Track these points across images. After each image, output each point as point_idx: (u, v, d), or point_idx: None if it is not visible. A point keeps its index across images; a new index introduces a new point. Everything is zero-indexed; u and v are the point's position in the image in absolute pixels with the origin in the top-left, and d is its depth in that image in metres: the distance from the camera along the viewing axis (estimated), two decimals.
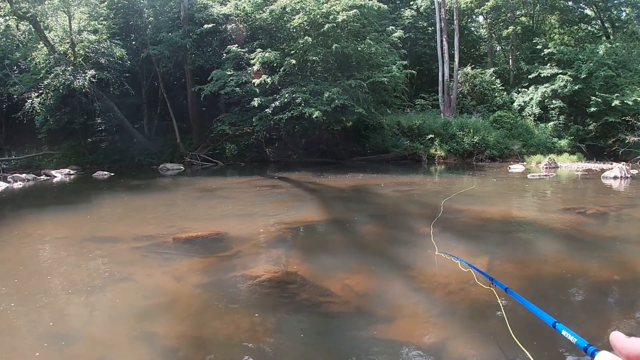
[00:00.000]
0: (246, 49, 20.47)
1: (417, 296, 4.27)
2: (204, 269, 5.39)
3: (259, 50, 19.52)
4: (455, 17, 26.04)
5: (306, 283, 4.50)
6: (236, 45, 20.43)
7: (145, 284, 5.23)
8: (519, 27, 30.70)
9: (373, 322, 3.76)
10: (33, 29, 21.81)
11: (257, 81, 18.48)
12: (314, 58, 19.35)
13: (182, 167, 20.60)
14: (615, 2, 30.84)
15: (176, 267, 5.63)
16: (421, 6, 31.61)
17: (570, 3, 31.16)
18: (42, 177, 19.39)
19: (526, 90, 26.09)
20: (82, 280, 5.53)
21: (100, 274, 5.70)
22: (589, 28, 33.14)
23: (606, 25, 31.85)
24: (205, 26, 21.41)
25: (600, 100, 22.39)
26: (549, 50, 25.32)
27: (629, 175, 14.57)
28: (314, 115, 17.08)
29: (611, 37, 29.31)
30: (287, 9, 19.75)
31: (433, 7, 28.38)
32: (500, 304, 3.55)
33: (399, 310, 3.96)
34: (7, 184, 17.35)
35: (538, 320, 2.00)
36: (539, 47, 26.41)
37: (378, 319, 3.81)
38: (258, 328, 3.70)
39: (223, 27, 22.08)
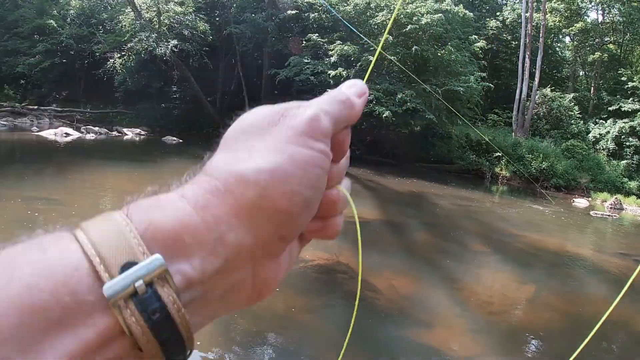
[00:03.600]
0: (326, 39, 20.69)
1: (458, 309, 4.37)
2: None
3: (338, 42, 19.69)
4: (541, 35, 25.10)
5: (356, 275, 4.69)
6: (317, 34, 20.71)
7: None
8: (605, 55, 29.18)
9: (411, 324, 3.91)
10: None
11: (333, 73, 18.71)
12: (392, 57, 19.34)
13: None
14: None
15: None
16: (507, 18, 30.63)
17: None
18: (113, 132, 20.53)
19: (604, 122, 24.85)
20: None
21: None
22: None
23: None
24: (289, 12, 21.78)
25: None
26: (634, 84, 23.94)
27: None
28: (384, 115, 17.07)
29: None
30: (371, 5, 19.76)
31: (519, 21, 27.44)
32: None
33: (438, 319, 4.09)
34: (80, 134, 18.58)
35: None
36: (623, 78, 25.02)
37: (417, 322, 3.96)
38: (303, 307, 3.93)
39: (306, 14, 22.40)
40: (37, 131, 18.54)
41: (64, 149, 15.19)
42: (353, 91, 0.35)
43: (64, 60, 26.23)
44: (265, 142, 0.31)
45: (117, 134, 20.48)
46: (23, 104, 24.82)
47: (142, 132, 21.59)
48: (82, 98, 27.06)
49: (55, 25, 25.77)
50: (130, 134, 20.80)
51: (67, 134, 17.76)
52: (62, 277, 0.24)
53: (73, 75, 27.66)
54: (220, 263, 0.29)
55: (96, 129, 20.14)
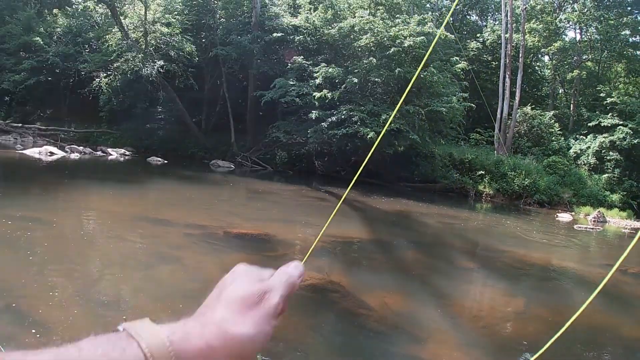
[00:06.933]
0: (311, 61, 20.96)
1: (450, 324, 4.46)
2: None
3: (323, 64, 19.97)
4: (520, 55, 25.77)
5: (347, 294, 4.76)
6: (302, 57, 20.98)
7: (193, 269, 5.63)
8: (584, 72, 30.00)
9: (405, 340, 3.98)
10: (110, 13, 22.98)
11: (317, 94, 18.92)
12: (376, 79, 19.62)
13: (232, 166, 21.17)
14: None
15: (224, 258, 6.00)
16: (487, 40, 31.40)
17: (639, 52, 30.21)
18: (98, 152, 20.41)
19: (584, 138, 25.44)
20: (134, 255, 6.00)
21: (151, 252, 6.14)
22: None
23: None
24: (275, 34, 22.05)
25: None
26: (612, 99, 24.62)
27: None
28: (369, 136, 17.26)
29: None
30: (355, 28, 20.16)
31: (499, 42, 28.17)
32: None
33: (431, 334, 4.16)
34: (65, 153, 18.47)
35: None
36: (602, 94, 25.71)
37: (410, 338, 4.03)
38: (297, 327, 3.97)
39: (291, 37, 22.69)
40: (21, 149, 18.38)
41: (48, 168, 15.11)
42: (297, 273, 0.55)
43: (50, 78, 26.19)
44: (251, 317, 0.50)
45: (102, 154, 20.38)
46: (7, 121, 24.61)
47: (127, 153, 21.51)
48: (66, 117, 26.91)
49: (41, 42, 25.80)
50: (114, 154, 20.71)
51: (52, 153, 17.65)
52: None
53: (58, 94, 27.57)
54: None
55: (80, 148, 20.02)
